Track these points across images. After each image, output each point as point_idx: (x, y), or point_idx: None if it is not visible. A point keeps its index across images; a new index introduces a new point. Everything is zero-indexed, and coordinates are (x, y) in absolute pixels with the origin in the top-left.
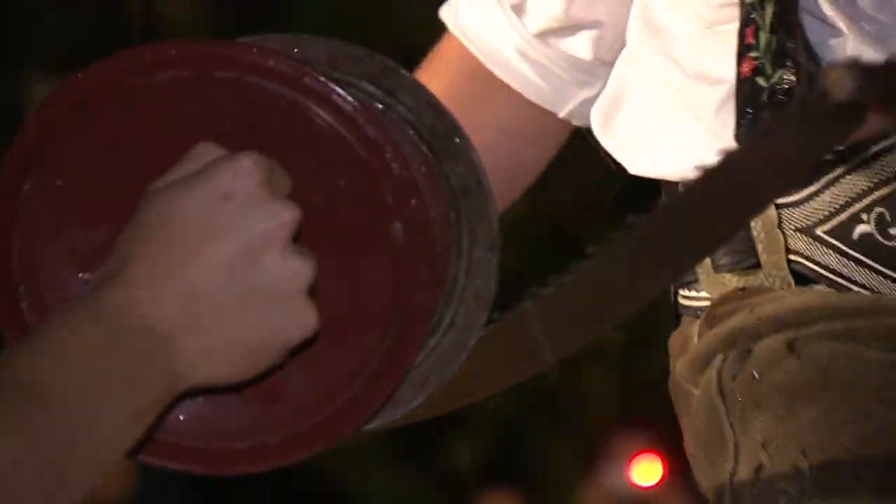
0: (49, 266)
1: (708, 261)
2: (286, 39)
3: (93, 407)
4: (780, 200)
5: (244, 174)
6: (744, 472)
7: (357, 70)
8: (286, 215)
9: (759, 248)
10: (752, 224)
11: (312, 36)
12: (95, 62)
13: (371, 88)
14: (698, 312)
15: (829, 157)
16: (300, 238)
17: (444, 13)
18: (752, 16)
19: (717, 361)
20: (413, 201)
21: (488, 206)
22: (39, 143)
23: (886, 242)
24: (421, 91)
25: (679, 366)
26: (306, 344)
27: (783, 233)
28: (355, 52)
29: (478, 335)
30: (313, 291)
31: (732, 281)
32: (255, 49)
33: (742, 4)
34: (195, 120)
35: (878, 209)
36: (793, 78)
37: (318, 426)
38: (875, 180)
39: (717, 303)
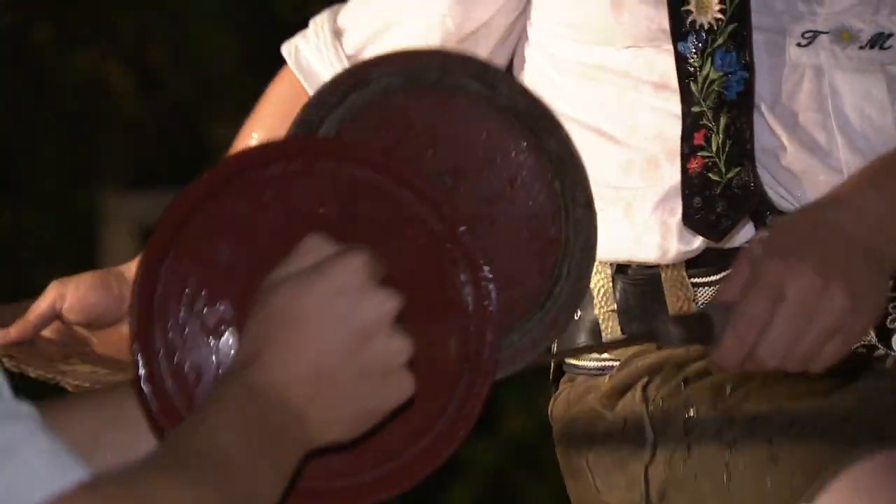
0: (183, 333)
1: (618, 328)
2: (399, 52)
3: (258, 466)
4: (697, 280)
5: (354, 270)
6: (660, 460)
7: (465, 71)
8: (390, 303)
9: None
10: (666, 294)
11: (426, 48)
12: (219, 162)
13: (476, 85)
14: (596, 372)
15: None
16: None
17: (285, 49)
18: (702, 122)
19: (640, 383)
20: (481, 272)
21: (581, 170)
22: (174, 229)
23: None
24: (514, 82)
25: (591, 397)
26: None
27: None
28: (462, 55)
29: (587, 283)
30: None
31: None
32: (349, 142)
33: (687, 114)
34: (302, 206)
35: None
36: (749, 176)
37: (404, 466)
38: None
39: (636, 353)
